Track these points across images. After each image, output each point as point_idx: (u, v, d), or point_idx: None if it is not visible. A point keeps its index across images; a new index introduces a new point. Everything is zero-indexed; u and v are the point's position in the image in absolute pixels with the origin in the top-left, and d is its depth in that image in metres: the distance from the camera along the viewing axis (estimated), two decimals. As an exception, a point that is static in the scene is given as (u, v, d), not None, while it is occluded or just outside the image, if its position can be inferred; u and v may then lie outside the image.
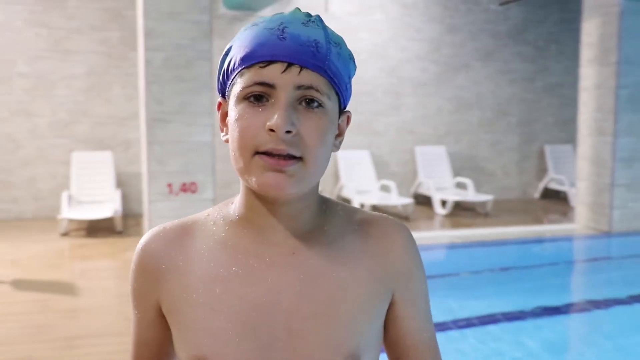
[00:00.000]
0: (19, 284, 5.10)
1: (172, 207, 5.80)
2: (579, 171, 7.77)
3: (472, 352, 3.87)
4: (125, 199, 8.13)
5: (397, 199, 8.16)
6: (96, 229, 7.27)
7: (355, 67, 0.92)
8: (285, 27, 0.84)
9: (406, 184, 9.54)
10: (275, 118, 0.81)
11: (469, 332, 4.15)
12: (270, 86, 0.83)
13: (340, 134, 0.92)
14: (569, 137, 10.43)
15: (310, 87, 0.83)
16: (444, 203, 8.86)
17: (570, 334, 4.56)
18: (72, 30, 7.97)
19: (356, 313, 0.90)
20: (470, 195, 8.66)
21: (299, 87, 0.83)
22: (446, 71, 9.68)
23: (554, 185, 9.94)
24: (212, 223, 0.94)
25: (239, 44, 0.87)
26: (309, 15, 0.87)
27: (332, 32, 0.88)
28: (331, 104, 0.86)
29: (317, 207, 0.94)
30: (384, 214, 0.99)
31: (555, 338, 4.27)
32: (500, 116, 10.12)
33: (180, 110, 5.73)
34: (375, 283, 0.92)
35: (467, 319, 4.33)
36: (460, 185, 9.40)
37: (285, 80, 0.82)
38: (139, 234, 7.04)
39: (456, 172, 9.73)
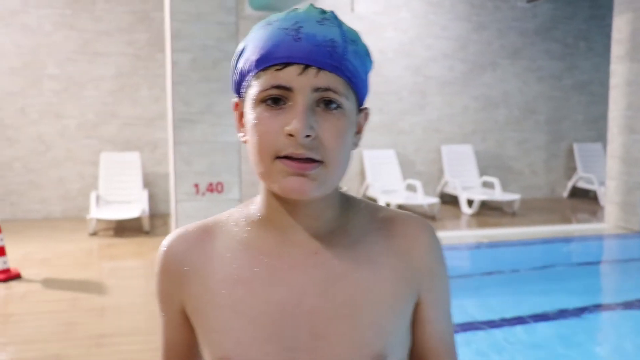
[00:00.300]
0: (49, 283, 5.18)
1: (198, 207, 5.84)
2: (609, 170, 7.65)
3: (498, 353, 3.83)
4: (152, 199, 8.22)
5: (423, 199, 8.11)
6: (124, 228, 7.36)
7: (371, 62, 0.90)
8: (300, 26, 0.82)
9: (432, 183, 9.48)
10: (293, 123, 0.80)
11: (497, 332, 4.12)
12: (288, 89, 0.81)
13: (359, 131, 0.91)
14: (598, 135, 10.28)
15: (328, 89, 0.82)
16: (470, 202, 8.79)
17: (599, 334, 4.50)
18: (100, 32, 8.08)
19: (381, 313, 0.88)
20: (497, 194, 8.58)
21: (317, 89, 0.81)
22: (473, 69, 9.60)
23: (582, 184, 9.79)
24: (233, 224, 0.94)
25: (253, 45, 0.85)
26: (323, 11, 0.85)
27: (348, 28, 0.86)
28: (349, 103, 0.85)
29: (339, 206, 0.92)
30: (408, 212, 0.97)
31: (583, 339, 4.21)
32: (527, 114, 10.00)
33: (206, 110, 5.76)
34: (400, 282, 0.91)
35: (494, 320, 4.29)
36: (487, 185, 9.32)
37: (303, 82, 0.81)
38: (166, 233, 7.10)
39: (483, 171, 9.64)
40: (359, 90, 0.87)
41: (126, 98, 8.25)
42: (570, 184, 9.99)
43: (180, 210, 5.80)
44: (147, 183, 8.27)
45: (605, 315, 4.78)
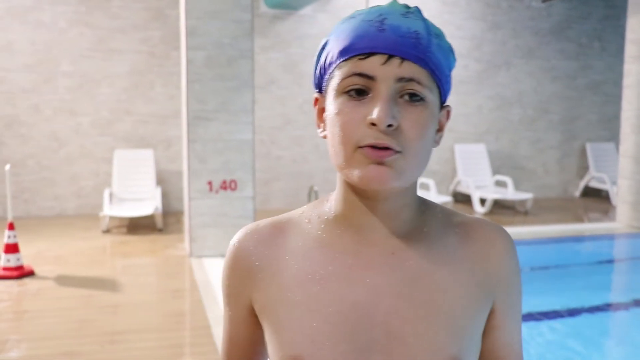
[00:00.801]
0: (62, 280, 5.22)
1: (212, 205, 5.86)
2: (621, 169, 7.61)
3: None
4: (165, 196, 8.25)
5: (436, 197, 8.10)
6: (137, 226, 7.39)
7: (455, 59, 0.89)
8: (385, 18, 0.82)
9: (445, 182, 9.46)
10: (376, 111, 0.79)
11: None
12: (370, 78, 0.81)
13: (440, 129, 0.90)
14: (611, 135, 10.22)
15: (411, 80, 0.81)
16: (483, 201, 8.76)
17: (613, 332, 4.48)
18: (115, 29, 8.11)
19: (457, 316, 0.87)
20: (510, 193, 8.55)
21: (400, 79, 0.80)
22: (487, 69, 9.57)
23: (595, 184, 9.74)
24: (306, 221, 0.93)
25: (336, 37, 0.85)
26: (407, 6, 0.85)
27: (432, 24, 0.85)
28: (432, 97, 0.84)
29: (417, 207, 0.91)
30: (484, 218, 0.96)
31: (596, 336, 4.20)
32: (541, 114, 9.95)
33: (221, 108, 5.78)
34: (477, 287, 0.89)
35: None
36: (500, 184, 9.29)
37: (386, 72, 0.80)
38: (179, 231, 7.13)
39: (496, 170, 9.61)
40: (442, 85, 0.86)
41: (140, 95, 8.28)
42: (582, 184, 9.94)
43: (194, 207, 5.82)
44: (161, 180, 8.30)
45: (617, 313, 4.76)
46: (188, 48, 5.67)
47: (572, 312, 4.49)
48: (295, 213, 0.95)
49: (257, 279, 0.91)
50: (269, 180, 8.77)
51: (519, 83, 9.76)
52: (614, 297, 5.24)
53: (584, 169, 10.19)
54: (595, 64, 10.14)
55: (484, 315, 0.91)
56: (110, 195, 7.50)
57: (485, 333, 0.93)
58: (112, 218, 7.38)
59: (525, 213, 8.46)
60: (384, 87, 0.80)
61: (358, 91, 0.81)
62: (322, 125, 0.90)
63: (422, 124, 0.82)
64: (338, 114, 0.82)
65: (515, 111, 9.81)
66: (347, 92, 0.82)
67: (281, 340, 0.88)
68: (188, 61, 5.68)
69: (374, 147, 0.80)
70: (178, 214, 8.10)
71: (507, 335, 0.95)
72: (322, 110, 0.90)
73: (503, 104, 9.73)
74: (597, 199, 9.81)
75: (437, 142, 0.89)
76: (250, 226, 0.95)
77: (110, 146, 8.22)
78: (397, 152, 0.81)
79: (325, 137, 0.88)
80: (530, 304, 4.59)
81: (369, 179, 0.81)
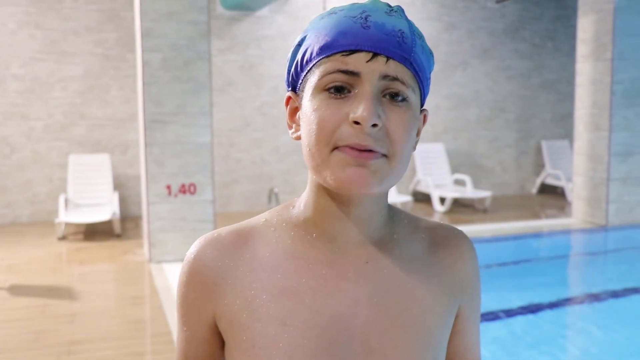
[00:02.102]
0: (17, 290, 5.07)
1: (171, 209, 5.78)
2: (576, 166, 7.80)
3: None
4: (123, 201, 8.11)
5: (396, 197, 8.17)
6: (94, 232, 7.25)
7: (434, 63, 0.86)
8: (368, 15, 0.79)
9: (405, 181, 9.54)
10: (361, 110, 0.75)
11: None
12: (355, 75, 0.77)
13: (418, 133, 0.86)
14: (566, 132, 10.45)
15: (395, 79, 0.78)
16: (442, 200, 8.86)
17: (569, 327, 4.57)
18: (67, 31, 7.93)
19: (431, 325, 0.86)
20: (469, 191, 8.67)
21: (385, 76, 0.77)
22: (444, 69, 9.68)
23: (551, 181, 9.95)
24: (272, 229, 0.87)
25: (316, 33, 0.81)
26: (389, 5, 0.82)
27: (414, 24, 0.83)
28: (415, 98, 0.81)
29: (386, 213, 0.89)
30: (445, 223, 0.95)
31: (553, 332, 4.28)
32: (497, 113, 10.12)
33: (178, 111, 5.70)
34: (446, 294, 0.89)
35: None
36: (459, 182, 9.41)
37: (371, 69, 0.77)
38: (138, 236, 7.01)
39: (454, 169, 9.73)
40: (423, 87, 0.84)
41: (95, 99, 8.12)
42: (538, 181, 10.14)
43: (153, 212, 5.74)
44: (118, 185, 8.15)
45: (575, 308, 4.86)
46: (144, 50, 5.58)
47: (532, 309, 4.56)
48: (257, 220, 0.89)
49: (221, 293, 0.84)
50: (228, 183, 8.70)
51: (475, 82, 9.90)
52: (571, 292, 5.34)
53: (539, 166, 10.39)
54: (549, 64, 10.35)
55: (452, 320, 0.91)
56: (66, 201, 7.34)
57: (450, 337, 0.93)
58: (68, 224, 7.21)
59: (484, 211, 8.58)
60: (368, 84, 0.77)
61: (339, 89, 0.78)
62: (293, 125, 0.86)
63: (407, 126, 0.79)
64: (316, 110, 0.78)
65: (472, 110, 9.95)
66: (328, 89, 0.78)
67: (254, 359, 0.82)
68: (144, 63, 5.59)
69: (355, 148, 0.76)
70: (136, 219, 7.97)
71: (469, 339, 0.95)
72: (294, 110, 0.86)
73: (460, 103, 9.85)
74: (553, 195, 10.02)
75: (413, 148, 0.85)
76: (209, 236, 0.87)
77: (64, 151, 8.04)
78: (382, 155, 0.77)
79: (297, 138, 0.84)
80: (490, 301, 4.65)
81: (348, 182, 0.77)
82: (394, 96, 0.79)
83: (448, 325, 0.89)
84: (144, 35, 5.56)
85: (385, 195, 0.87)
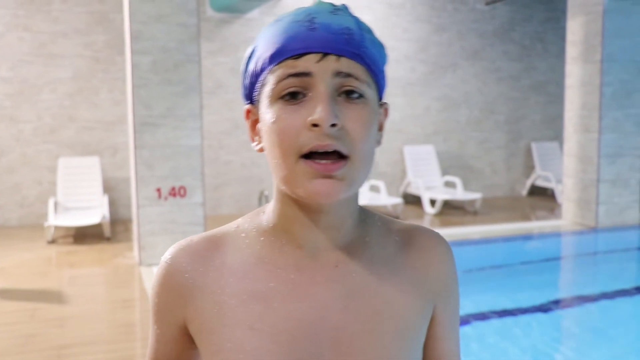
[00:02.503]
0: (6, 294, 5.04)
1: (161, 212, 5.76)
2: (566, 168, 7.83)
3: (461, 350, 3.87)
4: (113, 204, 8.07)
5: (386, 199, 8.17)
6: (84, 235, 7.21)
7: (387, 56, 0.86)
8: (314, 17, 0.79)
9: (395, 183, 9.55)
10: (317, 111, 0.75)
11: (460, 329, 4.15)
12: (307, 75, 0.77)
13: (380, 128, 0.86)
14: (556, 134, 10.50)
15: (349, 75, 0.78)
16: (433, 202, 8.88)
17: (559, 329, 4.58)
18: (56, 34, 7.90)
19: (403, 329, 0.85)
20: (459, 193, 8.69)
21: (338, 73, 0.77)
22: (434, 71, 9.70)
23: (540, 182, 9.99)
24: (243, 235, 0.88)
25: (265, 42, 0.81)
26: (333, 4, 0.82)
27: (361, 19, 0.83)
28: (371, 92, 0.81)
29: (358, 216, 0.88)
30: (421, 225, 0.94)
31: (544, 333, 4.29)
32: (487, 114, 10.15)
33: (168, 114, 5.68)
34: (419, 297, 0.88)
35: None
36: (449, 184, 9.43)
37: (323, 67, 0.77)
38: (128, 240, 6.98)
39: (445, 171, 9.75)
40: (378, 80, 0.84)
41: (85, 101, 8.09)
42: (529, 182, 10.18)
43: (142, 215, 5.71)
44: (108, 188, 8.12)
45: (564, 310, 4.88)
46: (133, 53, 5.56)
47: (522, 310, 4.58)
48: (230, 227, 0.90)
49: (193, 297, 0.86)
50: (218, 185, 8.68)
51: (465, 84, 9.93)
52: (561, 294, 5.36)
53: (530, 168, 10.44)
54: (539, 65, 10.40)
55: (426, 324, 0.90)
56: (55, 204, 7.30)
57: (425, 341, 0.92)
58: (57, 228, 7.17)
59: (475, 213, 8.60)
60: (322, 83, 0.77)
61: (293, 94, 0.77)
62: (256, 138, 0.86)
63: (366, 123, 0.79)
64: (275, 121, 0.78)
65: (462, 112, 9.97)
66: (283, 97, 0.78)
67: None
68: (133, 66, 5.57)
69: (319, 155, 0.76)
70: (126, 222, 7.94)
71: (446, 343, 0.93)
72: (255, 122, 0.86)
73: (450, 105, 9.88)
74: (543, 197, 10.06)
75: (378, 142, 0.86)
76: (183, 242, 0.89)
77: (54, 154, 7.99)
78: (344, 158, 0.77)
79: (261, 150, 0.84)
80: (480, 302, 4.67)
81: (316, 194, 0.77)
82: (349, 94, 0.78)
83: (422, 328, 0.89)
84: (133, 38, 5.54)
85: (355, 198, 0.86)
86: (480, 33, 9.96)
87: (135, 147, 5.65)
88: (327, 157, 0.76)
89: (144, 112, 5.62)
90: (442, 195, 8.56)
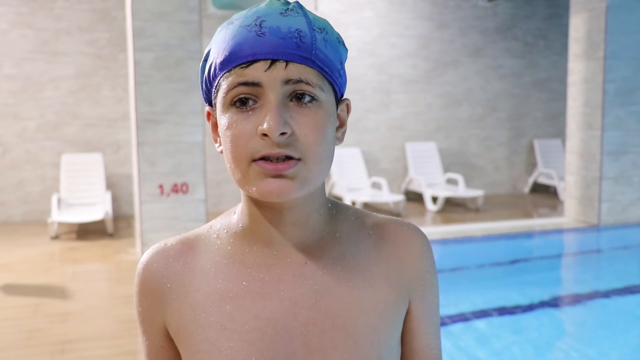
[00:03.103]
0: (9, 289, 5.06)
1: (163, 208, 5.78)
2: (568, 165, 7.82)
3: (463, 347, 3.88)
4: (115, 201, 8.10)
5: (388, 196, 8.17)
6: (87, 231, 7.24)
7: (346, 50, 0.85)
8: (263, 21, 0.77)
9: (397, 180, 9.56)
10: (266, 121, 0.75)
11: (460, 326, 4.17)
12: (256, 85, 0.77)
13: (342, 125, 0.87)
14: (558, 131, 10.49)
15: (299, 81, 0.77)
16: (434, 199, 8.88)
17: (562, 326, 4.59)
18: (59, 31, 7.92)
19: (375, 324, 0.85)
20: (461, 190, 8.69)
21: (288, 81, 0.77)
22: (436, 68, 9.70)
23: (543, 180, 9.98)
24: (215, 236, 0.89)
25: (217, 47, 0.81)
26: (286, 3, 0.80)
27: (315, 17, 0.81)
28: (325, 95, 0.80)
29: (326, 212, 0.88)
30: (398, 218, 0.94)
31: (545, 331, 4.30)
32: (489, 112, 10.15)
33: (170, 110, 5.70)
34: (393, 292, 0.87)
35: (460, 314, 4.34)
36: (451, 181, 9.43)
37: (271, 77, 0.76)
38: (131, 236, 7.01)
39: (446, 168, 9.75)
40: (334, 80, 0.82)
41: (87, 98, 8.11)
42: (531, 180, 10.18)
43: (145, 211, 5.73)
44: (110, 185, 8.14)
45: (566, 307, 4.88)
46: (135, 50, 5.57)
47: (523, 308, 4.58)
48: (204, 228, 0.91)
49: (170, 300, 0.86)
50: (220, 182, 8.70)
51: (467, 81, 9.93)
52: (563, 292, 5.37)
53: (532, 165, 10.43)
54: (541, 62, 10.39)
55: (401, 318, 0.90)
56: (59, 200, 7.32)
57: (403, 336, 0.92)
58: (60, 224, 7.20)
59: (476, 210, 8.61)
60: (271, 93, 0.76)
61: (243, 101, 0.78)
62: (218, 139, 0.86)
63: (318, 126, 0.78)
64: (228, 128, 0.78)
65: (464, 109, 9.97)
66: (234, 103, 0.78)
67: None
68: (135, 63, 5.59)
69: (270, 159, 0.76)
70: (129, 218, 7.96)
71: (424, 338, 0.93)
72: (215, 125, 0.86)
73: (452, 102, 9.88)
74: (545, 194, 10.06)
75: (339, 140, 0.86)
76: (157, 246, 0.90)
77: (57, 151, 8.02)
78: (297, 160, 0.77)
79: (222, 152, 0.84)
80: (481, 300, 4.68)
81: (267, 192, 0.78)
82: (300, 98, 0.78)
83: (396, 323, 0.88)
84: (135, 35, 5.55)
85: (320, 193, 0.86)
86: (482, 30, 9.95)
87: (138, 144, 5.67)
88: (279, 161, 0.77)
89: (146, 109, 5.64)
90: (443, 192, 8.57)
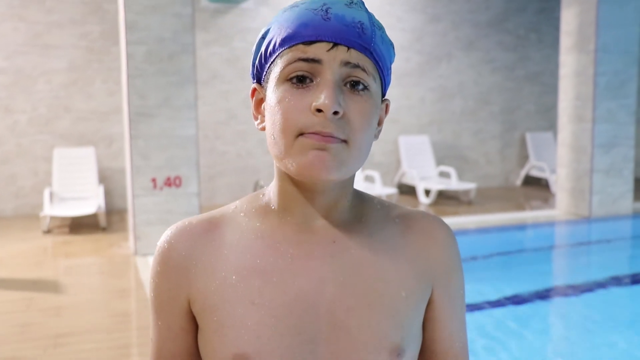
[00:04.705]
0: (2, 283, 5.05)
1: (156, 202, 5.77)
2: (560, 158, 7.86)
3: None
4: (108, 194, 8.08)
5: (381, 189, 8.20)
6: (79, 225, 7.22)
7: (394, 54, 0.88)
8: (329, 7, 0.80)
9: (390, 173, 9.58)
10: (322, 98, 0.77)
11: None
12: (316, 62, 0.79)
13: (380, 122, 0.88)
14: (550, 124, 10.53)
15: (357, 66, 0.80)
16: (427, 192, 8.91)
17: (553, 318, 4.63)
18: (51, 24, 7.88)
19: (398, 305, 0.86)
20: (454, 183, 8.72)
21: (347, 63, 0.79)
22: (429, 61, 9.71)
23: (535, 172, 10.03)
24: (242, 215, 0.90)
25: (278, 26, 0.83)
26: None
27: (374, 15, 0.85)
28: (376, 86, 0.83)
29: (354, 199, 0.90)
30: (424, 210, 0.95)
31: (538, 322, 4.33)
32: (482, 105, 10.17)
33: (163, 104, 5.69)
34: (416, 277, 0.89)
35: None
36: (444, 174, 9.46)
37: (332, 56, 0.79)
38: (123, 229, 7.00)
39: (439, 161, 9.78)
40: (384, 76, 0.85)
41: (80, 92, 8.08)
42: (523, 173, 10.22)
43: (138, 205, 5.73)
44: (103, 178, 8.13)
45: (558, 299, 4.92)
46: (128, 43, 5.56)
47: (516, 300, 4.62)
48: (228, 208, 0.92)
49: (195, 277, 0.86)
50: (214, 175, 8.70)
51: (459, 74, 9.95)
52: (555, 283, 5.40)
53: (524, 158, 10.47)
54: (533, 56, 10.42)
55: (423, 305, 0.91)
56: (51, 194, 7.30)
57: (425, 325, 0.93)
58: (53, 218, 7.19)
59: (469, 203, 8.64)
60: (330, 72, 0.79)
61: (301, 78, 0.80)
62: (259, 117, 0.88)
63: (367, 114, 0.81)
64: (280, 101, 0.80)
65: (456, 102, 9.99)
66: (290, 79, 0.80)
67: (224, 339, 0.84)
68: (128, 56, 5.57)
69: (318, 134, 0.78)
70: (122, 212, 7.95)
71: (448, 327, 0.94)
72: (259, 102, 0.88)
73: (445, 95, 9.90)
74: (537, 187, 10.10)
75: (376, 137, 0.87)
76: (179, 224, 0.90)
77: (49, 144, 7.99)
78: (342, 141, 0.79)
79: (263, 129, 0.86)
80: (474, 292, 4.70)
81: (309, 165, 0.78)
82: (355, 85, 0.80)
83: (418, 308, 0.90)
84: (128, 28, 5.54)
85: (350, 182, 0.88)
86: (475, 23, 9.96)
87: (131, 138, 5.66)
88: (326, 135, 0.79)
89: (139, 102, 5.63)
90: (436, 185, 8.60)
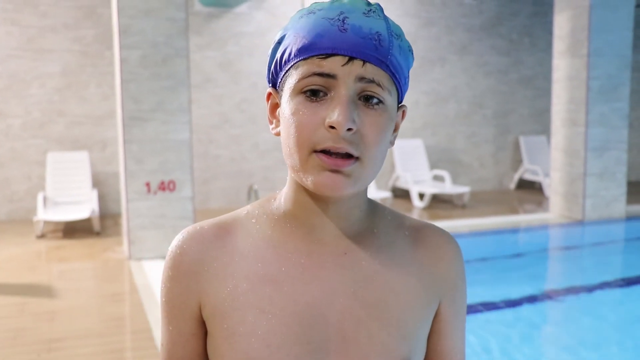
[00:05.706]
0: (-4, 287, 5.04)
1: (150, 206, 5.77)
2: (553, 161, 7.89)
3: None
4: (102, 199, 8.06)
5: (375, 193, 8.21)
6: (73, 230, 7.20)
7: (413, 59, 0.87)
8: (346, 17, 0.79)
9: (384, 177, 9.59)
10: (336, 114, 0.76)
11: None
12: (331, 77, 0.78)
13: (396, 129, 0.88)
14: (543, 128, 10.57)
15: (372, 81, 0.79)
16: (421, 196, 8.92)
17: (546, 321, 4.64)
18: (45, 28, 7.87)
19: (407, 318, 0.87)
20: (448, 187, 8.73)
21: (361, 79, 0.78)
22: (422, 65, 9.74)
23: (528, 176, 10.06)
24: (253, 221, 0.89)
25: (294, 33, 0.82)
26: (369, 3, 0.82)
27: (393, 22, 0.83)
28: (391, 99, 0.82)
29: (366, 209, 0.90)
30: (432, 223, 0.97)
31: (532, 325, 4.34)
32: (475, 109, 10.21)
33: (157, 108, 5.69)
34: (424, 291, 0.90)
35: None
36: (438, 178, 9.48)
37: (347, 71, 0.78)
38: (118, 234, 6.99)
39: (433, 165, 9.80)
40: (401, 86, 0.85)
41: (73, 96, 8.07)
42: (516, 176, 10.25)
43: (132, 209, 5.72)
44: (97, 183, 8.11)
45: (551, 302, 4.93)
46: (122, 47, 5.56)
47: (510, 303, 4.63)
48: (239, 213, 0.92)
49: (206, 282, 0.86)
50: (208, 179, 8.69)
51: (453, 78, 9.98)
52: (548, 287, 5.42)
53: (517, 161, 10.50)
54: (526, 59, 10.46)
55: (430, 317, 0.92)
56: (45, 199, 7.28)
57: (430, 337, 0.94)
58: (46, 222, 7.17)
59: (463, 206, 8.66)
60: (344, 87, 0.78)
61: (314, 92, 0.79)
62: (274, 121, 0.88)
63: (381, 129, 0.80)
64: (294, 114, 0.80)
65: (450, 106, 10.02)
66: (304, 92, 0.80)
67: (234, 347, 0.84)
68: (122, 60, 5.57)
69: (330, 153, 0.78)
70: (116, 217, 7.94)
71: (451, 340, 0.95)
72: (275, 106, 0.88)
73: (438, 99, 9.93)
74: (531, 190, 10.13)
75: (392, 143, 0.87)
76: (191, 229, 0.89)
77: (43, 148, 7.97)
78: (355, 159, 0.79)
79: (277, 134, 0.86)
80: (468, 295, 4.71)
81: (322, 185, 0.79)
82: (369, 99, 0.80)
83: (426, 321, 0.91)
84: (121, 32, 5.54)
85: (363, 191, 0.88)
86: (469, 27, 10.00)
87: (125, 142, 5.65)
88: (339, 157, 0.79)
89: (133, 106, 5.62)
90: (430, 189, 8.61)
